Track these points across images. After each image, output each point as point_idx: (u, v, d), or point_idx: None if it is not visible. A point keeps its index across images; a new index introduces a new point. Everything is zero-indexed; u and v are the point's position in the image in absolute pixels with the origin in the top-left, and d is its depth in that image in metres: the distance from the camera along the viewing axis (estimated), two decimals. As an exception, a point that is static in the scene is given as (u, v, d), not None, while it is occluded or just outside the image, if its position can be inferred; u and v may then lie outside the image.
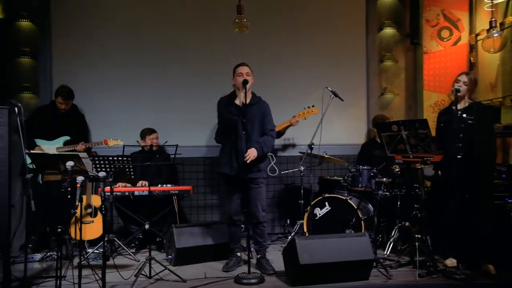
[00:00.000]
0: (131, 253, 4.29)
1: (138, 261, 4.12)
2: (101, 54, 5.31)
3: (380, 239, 4.52)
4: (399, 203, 4.31)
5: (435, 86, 5.68)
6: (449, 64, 5.63)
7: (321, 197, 4.39)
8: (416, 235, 3.79)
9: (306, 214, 4.43)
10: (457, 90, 3.77)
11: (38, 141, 4.69)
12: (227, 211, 4.05)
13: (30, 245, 4.82)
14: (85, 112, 5.21)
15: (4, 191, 3.27)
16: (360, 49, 5.72)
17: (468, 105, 3.96)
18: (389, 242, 4.25)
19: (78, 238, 4.47)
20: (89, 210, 4.76)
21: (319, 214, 4.38)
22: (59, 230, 3.07)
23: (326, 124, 4.83)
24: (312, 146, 4.23)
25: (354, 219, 4.18)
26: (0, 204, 3.25)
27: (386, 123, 4.01)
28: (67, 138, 4.75)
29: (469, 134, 3.84)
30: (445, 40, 5.67)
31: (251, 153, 3.75)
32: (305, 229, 4.42)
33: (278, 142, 5.33)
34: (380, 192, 4.49)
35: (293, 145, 5.29)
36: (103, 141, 4.68)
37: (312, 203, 4.40)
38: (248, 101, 3.79)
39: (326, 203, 4.37)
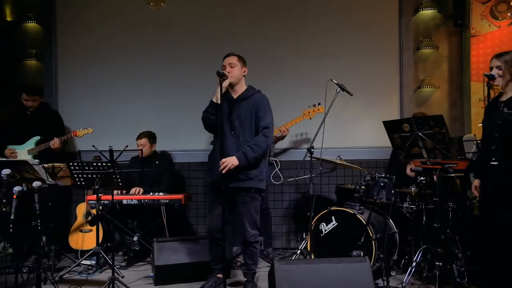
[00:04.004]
0: (115, 268, 3.92)
1: (123, 277, 3.77)
2: (106, 54, 5.04)
3: (406, 261, 3.74)
4: (424, 219, 3.52)
5: (487, 75, 4.67)
6: (506, 48, 4.50)
7: (326, 211, 3.70)
8: (437, 262, 2.99)
9: (310, 230, 3.76)
10: (490, 77, 2.90)
11: (10, 147, 4.48)
12: (207, 226, 3.52)
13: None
14: (91, 113, 5.00)
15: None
16: (392, 35, 4.86)
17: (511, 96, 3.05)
18: (410, 267, 3.45)
19: (77, 247, 4.41)
20: (89, 218, 4.55)
21: (325, 231, 3.69)
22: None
23: (348, 124, 4.18)
24: (312, 150, 3.53)
25: (362, 238, 3.44)
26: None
27: (395, 121, 3.23)
28: (38, 138, 4.49)
29: (509, 134, 2.94)
30: (500, 18, 4.66)
31: (228, 162, 3.16)
32: (309, 248, 3.75)
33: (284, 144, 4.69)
34: (405, 205, 3.74)
35: (296, 148, 4.59)
36: (72, 132, 4.39)
37: (316, 217, 3.72)
38: (237, 95, 3.39)
39: (333, 218, 3.66)
